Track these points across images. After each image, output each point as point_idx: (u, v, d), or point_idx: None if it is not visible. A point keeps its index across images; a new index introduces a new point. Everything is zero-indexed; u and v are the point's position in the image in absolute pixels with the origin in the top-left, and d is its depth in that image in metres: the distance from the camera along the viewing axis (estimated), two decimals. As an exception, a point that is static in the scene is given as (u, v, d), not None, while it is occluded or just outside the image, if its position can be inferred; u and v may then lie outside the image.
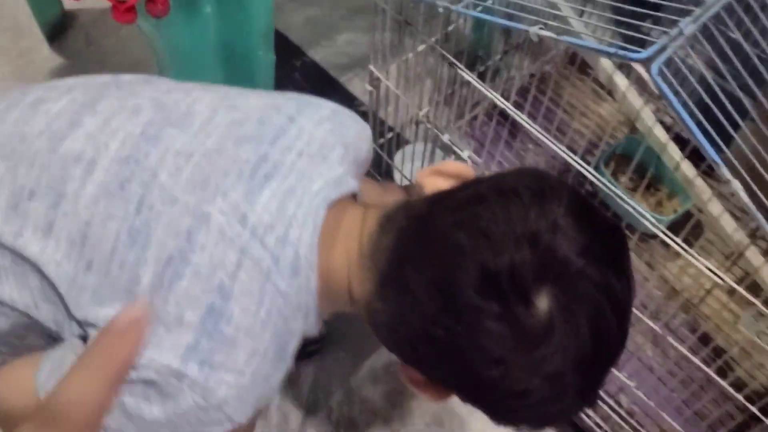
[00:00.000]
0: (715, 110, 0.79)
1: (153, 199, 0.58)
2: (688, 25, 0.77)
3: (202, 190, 0.59)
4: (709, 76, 0.82)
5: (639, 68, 0.93)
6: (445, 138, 1.08)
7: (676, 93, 0.74)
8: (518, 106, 1.02)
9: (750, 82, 0.84)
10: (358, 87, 1.69)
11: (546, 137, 0.94)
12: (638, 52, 0.74)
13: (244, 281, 0.57)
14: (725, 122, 0.80)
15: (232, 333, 0.56)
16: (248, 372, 0.57)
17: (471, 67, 1.21)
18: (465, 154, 1.06)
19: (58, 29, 1.68)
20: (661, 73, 0.73)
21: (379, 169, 1.41)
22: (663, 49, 0.75)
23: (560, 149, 0.93)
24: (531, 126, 0.94)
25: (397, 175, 1.38)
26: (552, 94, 1.46)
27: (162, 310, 0.56)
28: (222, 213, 0.58)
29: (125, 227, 0.58)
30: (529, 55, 1.51)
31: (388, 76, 1.19)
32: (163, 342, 0.55)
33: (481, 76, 1.27)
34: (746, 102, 0.85)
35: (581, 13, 1.14)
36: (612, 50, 0.76)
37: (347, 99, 1.66)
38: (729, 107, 0.81)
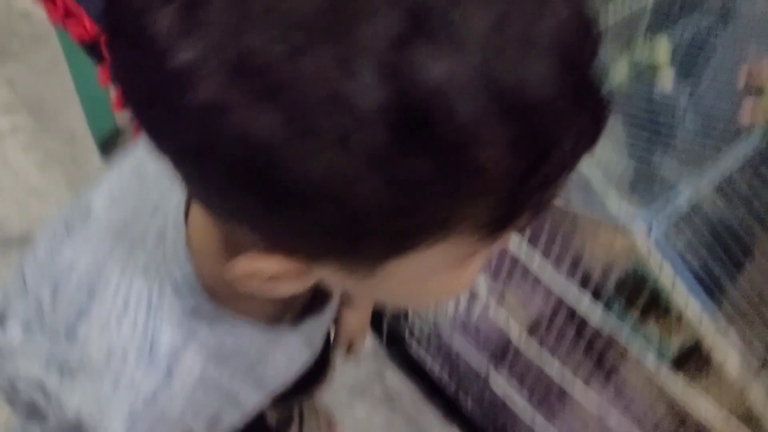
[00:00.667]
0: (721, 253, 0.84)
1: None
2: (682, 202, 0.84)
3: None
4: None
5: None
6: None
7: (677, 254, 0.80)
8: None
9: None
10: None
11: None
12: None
13: None
14: (728, 263, 0.85)
15: (85, 331, 0.49)
16: (107, 375, 0.48)
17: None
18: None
19: (111, 141, 1.82)
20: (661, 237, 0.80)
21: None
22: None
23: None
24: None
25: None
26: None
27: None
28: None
29: None
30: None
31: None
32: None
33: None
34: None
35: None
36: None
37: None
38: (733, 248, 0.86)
